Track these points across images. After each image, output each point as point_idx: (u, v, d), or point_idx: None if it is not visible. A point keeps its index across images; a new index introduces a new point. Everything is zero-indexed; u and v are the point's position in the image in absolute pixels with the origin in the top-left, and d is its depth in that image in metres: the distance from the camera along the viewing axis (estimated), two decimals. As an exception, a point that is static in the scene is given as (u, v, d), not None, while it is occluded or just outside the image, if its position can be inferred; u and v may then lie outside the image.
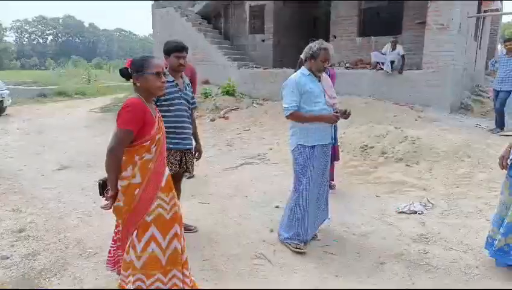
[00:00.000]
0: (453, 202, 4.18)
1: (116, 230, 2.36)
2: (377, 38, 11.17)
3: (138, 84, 2.19)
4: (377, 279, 2.79)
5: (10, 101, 11.30)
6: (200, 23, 13.42)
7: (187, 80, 3.46)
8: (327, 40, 12.28)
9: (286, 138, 7.09)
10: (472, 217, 3.80)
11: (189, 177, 5.10)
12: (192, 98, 3.47)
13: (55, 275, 2.83)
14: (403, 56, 9.14)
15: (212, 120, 9.26)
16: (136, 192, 2.14)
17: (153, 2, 14.06)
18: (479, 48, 12.70)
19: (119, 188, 2.15)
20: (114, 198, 2.17)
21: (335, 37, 11.94)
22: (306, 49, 3.21)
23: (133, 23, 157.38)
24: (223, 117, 9.34)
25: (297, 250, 3.16)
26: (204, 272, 2.87)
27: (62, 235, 3.48)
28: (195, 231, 3.58)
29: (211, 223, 3.77)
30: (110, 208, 2.19)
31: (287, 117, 3.19)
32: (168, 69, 3.32)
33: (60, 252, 3.17)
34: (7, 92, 11.10)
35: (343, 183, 4.91)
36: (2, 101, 10.69)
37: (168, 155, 3.29)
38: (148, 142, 2.16)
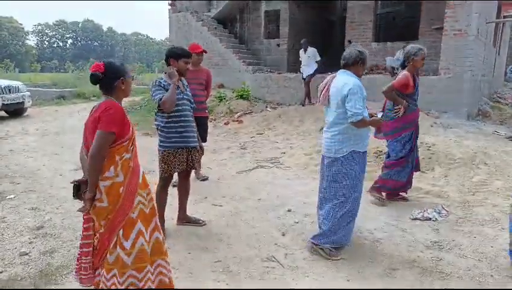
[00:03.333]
0: (468, 209, 4.12)
1: (86, 233, 2.27)
2: (392, 43, 11.10)
3: (123, 88, 2.27)
4: (389, 285, 2.77)
5: (30, 102, 11.61)
6: (215, 28, 13.56)
7: (185, 81, 3.57)
8: (342, 45, 12.29)
9: (300, 142, 7.14)
10: (488, 225, 3.74)
11: (202, 180, 5.17)
12: (192, 98, 3.60)
13: (72, 272, 2.90)
14: None
15: (226, 123, 9.33)
16: (121, 190, 2.17)
17: (170, 6, 14.29)
18: (498, 54, 12.49)
19: (102, 189, 2.16)
20: (92, 200, 2.16)
21: (350, 42, 11.89)
22: (355, 53, 3.15)
23: (150, 27, 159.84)
24: (237, 121, 9.40)
25: (333, 258, 3.10)
26: (216, 274, 2.90)
27: (78, 234, 3.53)
28: (204, 225, 3.71)
29: (223, 225, 3.80)
30: (88, 210, 2.17)
31: (355, 123, 3.01)
32: (167, 74, 3.40)
33: (77, 250, 3.23)
34: (28, 93, 11.42)
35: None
36: (23, 102, 11.00)
37: (176, 155, 3.41)
38: (127, 142, 2.22)
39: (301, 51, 10.01)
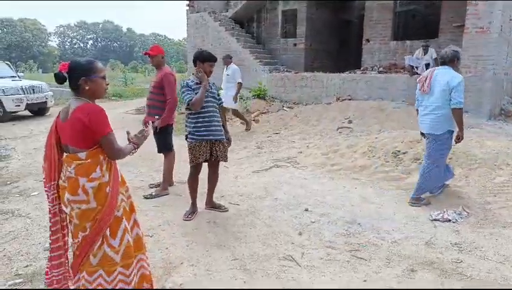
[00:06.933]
0: (489, 211, 4.03)
1: (56, 245, 2.28)
2: (412, 42, 10.92)
3: (87, 88, 2.17)
4: (407, 287, 2.74)
5: (53, 102, 11.93)
6: (233, 28, 13.63)
7: (211, 80, 3.93)
8: (360, 44, 12.17)
9: (317, 141, 7.11)
10: (510, 227, 3.65)
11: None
12: (218, 94, 3.97)
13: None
14: (435, 59, 8.90)
15: (243, 123, 9.35)
16: (107, 190, 2.18)
17: (188, 6, 14.43)
18: (523, 52, 12.12)
19: (89, 190, 2.12)
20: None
21: (368, 41, 11.77)
22: (451, 53, 4.02)
23: (169, 27, 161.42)
24: (254, 120, 9.42)
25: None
26: (233, 271, 2.93)
27: (99, 230, 3.66)
28: (226, 211, 4.10)
29: (240, 223, 3.83)
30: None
31: (456, 110, 3.94)
32: (197, 77, 3.81)
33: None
34: (51, 93, 11.74)
35: (374, 188, 4.85)
36: (45, 102, 11.32)
37: (200, 146, 3.76)
38: None
39: (224, 68, 8.68)
